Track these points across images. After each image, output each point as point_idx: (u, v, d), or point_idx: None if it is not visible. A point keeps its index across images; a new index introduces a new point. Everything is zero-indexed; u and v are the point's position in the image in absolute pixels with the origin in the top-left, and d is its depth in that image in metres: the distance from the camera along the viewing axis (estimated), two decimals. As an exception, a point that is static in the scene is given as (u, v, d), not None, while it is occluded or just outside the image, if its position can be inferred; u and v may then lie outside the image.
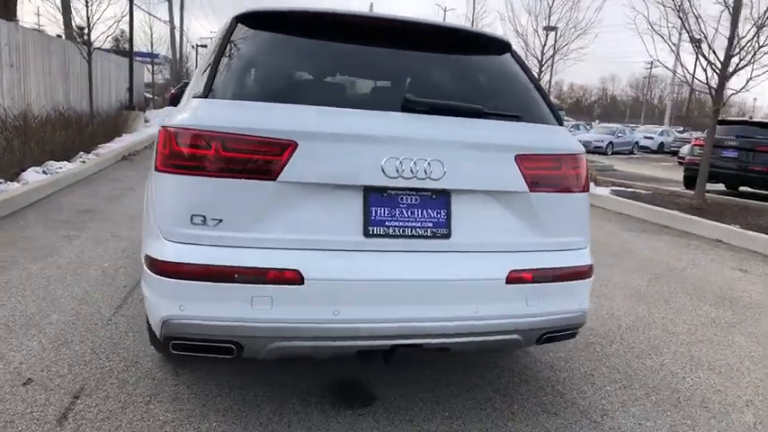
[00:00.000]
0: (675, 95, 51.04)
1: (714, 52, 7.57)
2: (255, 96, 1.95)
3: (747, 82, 7.49)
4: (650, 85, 68.98)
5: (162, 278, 1.83)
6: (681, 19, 7.63)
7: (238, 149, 1.82)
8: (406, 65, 2.20)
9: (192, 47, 34.37)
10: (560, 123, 2.27)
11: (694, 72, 7.91)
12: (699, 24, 7.59)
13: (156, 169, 1.91)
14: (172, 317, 1.83)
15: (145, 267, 1.95)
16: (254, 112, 1.88)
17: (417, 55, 2.22)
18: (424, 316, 1.92)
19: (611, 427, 2.33)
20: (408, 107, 1.98)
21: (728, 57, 7.55)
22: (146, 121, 13.88)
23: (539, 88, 2.36)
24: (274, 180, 1.82)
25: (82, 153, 8.78)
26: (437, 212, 1.97)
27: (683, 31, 7.68)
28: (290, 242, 1.86)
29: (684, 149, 23.09)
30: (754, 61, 7.34)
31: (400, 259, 1.92)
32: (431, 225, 1.96)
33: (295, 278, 1.81)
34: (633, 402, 2.54)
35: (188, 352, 1.95)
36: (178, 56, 28.04)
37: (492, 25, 19.11)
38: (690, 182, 10.72)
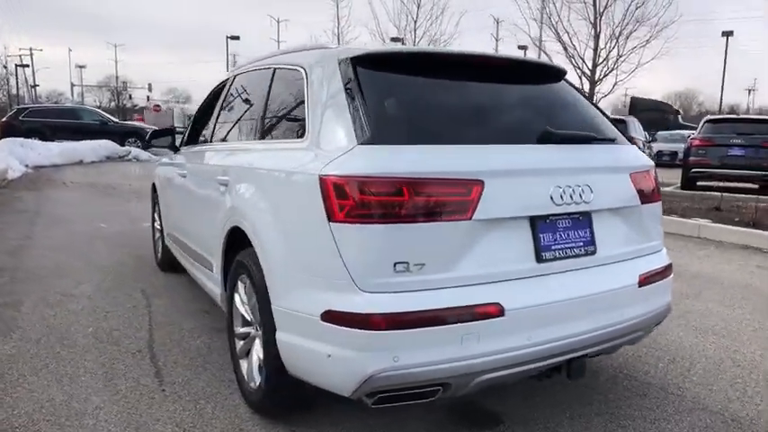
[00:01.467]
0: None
1: (585, 62, 8.78)
2: (422, 139, 1.96)
3: (614, 86, 8.83)
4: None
5: (367, 332, 1.76)
6: (557, 34, 8.72)
7: (432, 193, 1.82)
8: (518, 97, 2.34)
9: (4, 67, 30.01)
10: (631, 141, 2.60)
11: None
12: (571, 40, 8.75)
13: (335, 221, 1.83)
14: (384, 370, 1.76)
15: (329, 325, 1.84)
16: (438, 154, 1.90)
17: (524, 88, 2.38)
18: (589, 327, 2.08)
19: (693, 396, 2.71)
20: (548, 139, 2.14)
21: (595, 65, 8.81)
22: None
23: (599, 109, 2.66)
24: (469, 219, 1.86)
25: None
26: (584, 232, 2.15)
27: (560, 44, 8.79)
28: (483, 277, 1.90)
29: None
30: (616, 67, 8.65)
31: (567, 279, 2.07)
32: (582, 244, 2.14)
33: (497, 311, 1.86)
34: (688, 373, 2.96)
35: (390, 403, 1.89)
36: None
37: (359, 38, 19.63)
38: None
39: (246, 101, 3.05)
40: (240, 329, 2.67)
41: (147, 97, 63.76)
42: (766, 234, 6.02)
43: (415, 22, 15.49)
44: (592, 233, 2.17)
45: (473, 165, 1.90)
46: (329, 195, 1.85)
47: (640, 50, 8.21)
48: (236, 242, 2.64)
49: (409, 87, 2.14)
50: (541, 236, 2.03)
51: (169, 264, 4.82)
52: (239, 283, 2.60)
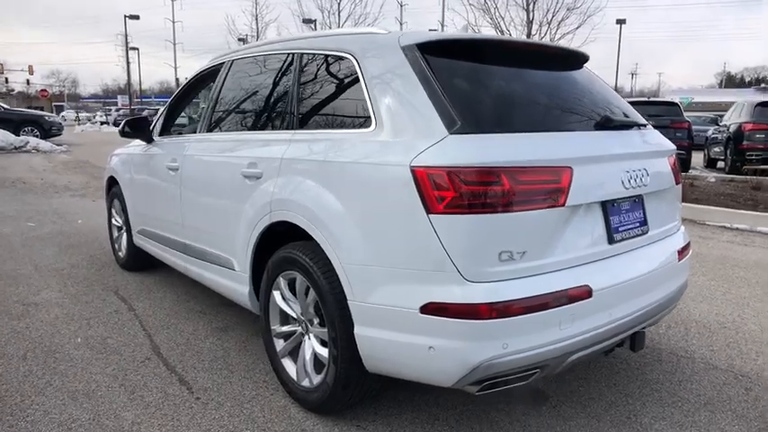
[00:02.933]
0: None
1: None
2: (507, 127, 1.97)
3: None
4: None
5: (478, 321, 1.77)
6: (493, 20, 8.99)
7: (530, 181, 1.85)
8: (571, 84, 2.40)
9: None
10: None
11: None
12: (507, 27, 9.06)
13: (435, 212, 1.80)
14: (494, 357, 1.78)
15: (430, 317, 1.82)
16: (528, 142, 1.92)
17: (572, 75, 2.45)
18: (649, 301, 2.22)
19: (700, 357, 2.97)
20: (608, 125, 2.24)
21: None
22: None
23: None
24: (563, 206, 1.91)
25: None
26: (639, 213, 2.28)
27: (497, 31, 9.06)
28: (571, 261, 1.97)
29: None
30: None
31: (631, 258, 2.19)
32: (638, 224, 2.27)
33: (587, 293, 1.94)
34: (687, 337, 3.24)
35: (490, 390, 1.91)
36: None
37: (278, 20, 19.01)
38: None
39: (263, 88, 2.88)
40: (282, 328, 2.57)
41: (27, 81, 57.89)
42: (697, 207, 6.68)
43: (339, 3, 15.31)
44: (644, 214, 2.31)
45: (563, 152, 1.95)
46: (426, 187, 1.82)
47: (570, 37, 8.72)
48: (275, 237, 2.53)
49: (481, 75, 2.14)
50: (611, 219, 2.13)
51: (136, 263, 4.50)
52: (280, 279, 2.49)
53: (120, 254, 4.69)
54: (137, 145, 4.22)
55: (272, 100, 2.79)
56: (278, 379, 2.61)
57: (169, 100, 4.01)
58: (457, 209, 1.78)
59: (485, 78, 2.14)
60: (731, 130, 11.78)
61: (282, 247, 2.47)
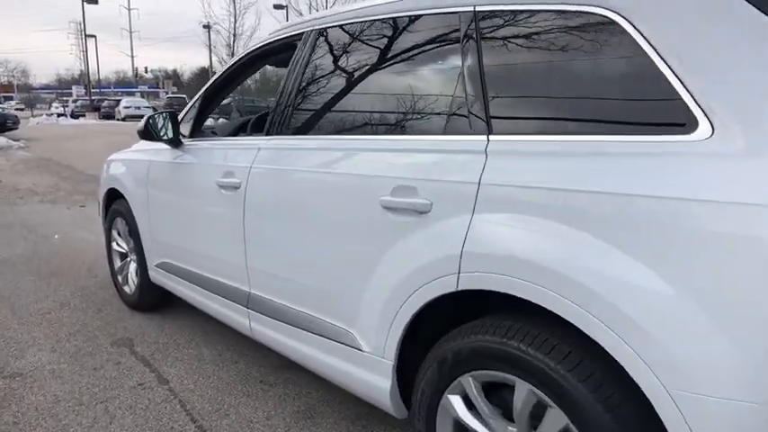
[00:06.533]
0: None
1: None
2: None
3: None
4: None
5: None
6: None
7: None
8: None
9: None
10: None
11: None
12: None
13: None
14: None
15: None
16: None
17: None
18: None
19: None
20: None
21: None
22: None
23: None
24: None
25: None
26: None
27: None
28: None
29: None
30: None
31: None
32: None
33: None
34: None
35: None
36: None
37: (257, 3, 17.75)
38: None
39: (398, 70, 1.86)
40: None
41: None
42: None
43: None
44: None
45: None
46: None
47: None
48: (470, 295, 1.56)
49: None
50: None
51: (150, 302, 3.44)
52: (469, 380, 1.51)
53: (125, 288, 3.60)
54: (150, 149, 3.15)
55: (424, 88, 1.78)
56: None
57: (202, 90, 2.95)
58: None
59: None
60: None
61: (469, 325, 1.50)
